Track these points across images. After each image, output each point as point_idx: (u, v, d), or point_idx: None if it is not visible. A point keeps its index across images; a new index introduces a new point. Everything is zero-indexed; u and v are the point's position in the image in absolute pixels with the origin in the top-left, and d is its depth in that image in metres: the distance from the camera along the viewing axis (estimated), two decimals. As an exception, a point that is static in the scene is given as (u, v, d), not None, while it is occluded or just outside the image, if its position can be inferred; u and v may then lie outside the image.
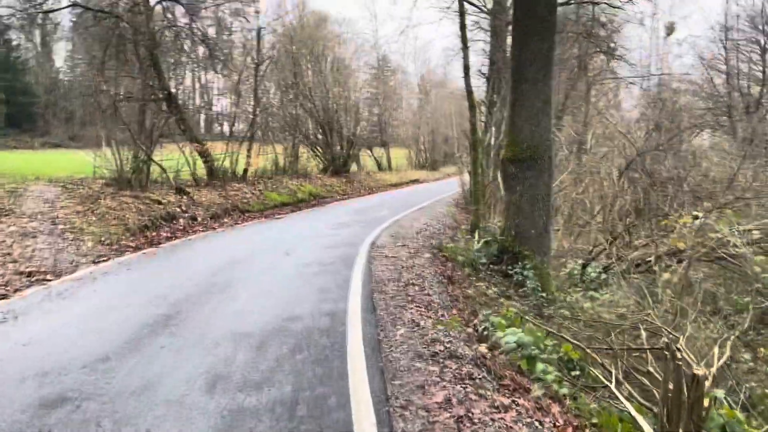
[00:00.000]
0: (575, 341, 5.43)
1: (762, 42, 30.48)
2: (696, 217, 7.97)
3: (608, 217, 13.66)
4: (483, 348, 4.84)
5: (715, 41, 32.21)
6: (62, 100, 47.81)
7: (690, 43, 46.38)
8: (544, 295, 8.92)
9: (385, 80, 44.16)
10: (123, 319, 5.95)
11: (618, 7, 22.93)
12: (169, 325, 5.69)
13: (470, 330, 5.56)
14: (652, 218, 10.83)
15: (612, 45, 26.58)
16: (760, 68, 30.74)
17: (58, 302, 6.83)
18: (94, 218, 11.89)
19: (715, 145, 13.69)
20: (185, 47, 21.35)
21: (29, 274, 8.38)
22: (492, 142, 18.73)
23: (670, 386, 3.78)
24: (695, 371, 3.64)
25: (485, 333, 5.57)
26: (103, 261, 9.66)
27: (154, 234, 12.24)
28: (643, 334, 6.30)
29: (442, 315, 6.04)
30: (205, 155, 18.01)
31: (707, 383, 4.28)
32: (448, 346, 4.85)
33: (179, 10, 22.25)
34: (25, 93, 46.78)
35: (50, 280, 8.13)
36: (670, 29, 47.42)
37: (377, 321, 5.58)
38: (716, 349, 5.76)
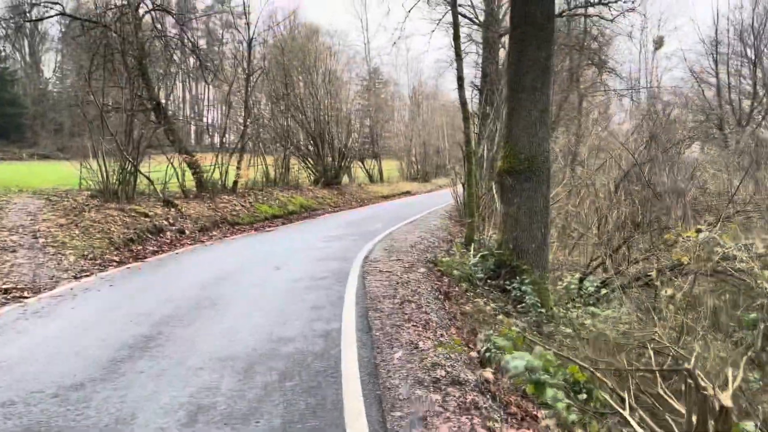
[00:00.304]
0: (583, 363, 5.12)
1: (751, 56, 30.67)
2: (699, 231, 7.72)
3: (604, 230, 13.43)
4: (487, 373, 4.52)
5: (703, 55, 32.41)
6: (51, 111, 47.36)
7: (679, 56, 46.62)
8: (543, 311, 8.62)
9: (376, 92, 44.04)
10: (101, 340, 5.58)
11: (610, 20, 22.98)
12: (150, 347, 5.33)
13: (472, 352, 5.24)
14: (652, 231, 10.59)
15: (603, 58, 26.66)
16: (750, 81, 30.92)
17: (33, 321, 6.45)
18: (77, 231, 11.50)
19: (714, 158, 13.55)
20: (175, 58, 21.07)
21: (6, 291, 7.99)
22: (485, 154, 18.53)
23: (694, 417, 3.49)
24: (723, 402, 3.35)
25: (487, 355, 5.26)
26: (85, 276, 9.28)
27: (139, 248, 11.86)
28: (651, 353, 6.01)
29: (441, 334, 5.72)
30: (194, 166, 17.65)
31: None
32: (449, 370, 4.52)
33: (170, 20, 22.02)
34: (13, 104, 46.31)
35: (27, 297, 7.75)
36: (659, 43, 47.80)
37: (373, 342, 5.25)
38: (730, 370, 5.47)
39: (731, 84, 30.50)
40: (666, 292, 8.39)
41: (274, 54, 25.93)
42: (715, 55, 30.01)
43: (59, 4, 18.78)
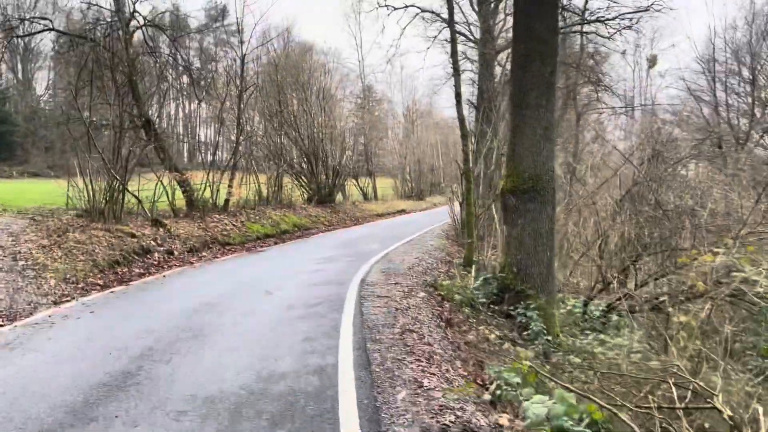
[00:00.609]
0: (601, 402, 4.67)
1: (746, 75, 30.61)
2: (716, 254, 7.31)
3: (606, 250, 13.02)
4: (503, 419, 4.05)
5: (699, 73, 32.37)
6: (42, 128, 46.86)
7: (673, 75, 46.77)
8: (549, 338, 8.18)
9: (370, 110, 43.84)
10: (75, 377, 5.07)
11: (607, 38, 22.85)
12: (128, 385, 4.84)
13: (485, 394, 4.77)
14: (662, 252, 10.18)
15: (600, 76, 26.54)
16: (745, 100, 30.83)
17: (3, 354, 5.94)
18: (60, 253, 10.97)
19: (725, 177, 13.24)
20: (167, 75, 20.75)
21: (-23, 319, 7.48)
22: (482, 172, 18.19)
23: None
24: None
25: (498, 392, 4.80)
26: (66, 302, 8.75)
27: (125, 270, 11.34)
28: (673, 388, 5.56)
29: (447, 369, 5.25)
30: (184, 185, 17.18)
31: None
32: (459, 414, 4.05)
33: (163, 38, 21.71)
34: (5, 122, 45.77)
35: (2, 326, 7.22)
36: (653, 62, 47.96)
37: (373, 380, 4.76)
38: (760, 408, 5.05)
39: (729, 103, 30.44)
40: (678, 318, 7.97)
41: (268, 71, 25.62)
42: (713, 74, 29.95)
43: (48, 19, 18.47)
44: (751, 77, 30.17)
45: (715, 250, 7.33)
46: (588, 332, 8.87)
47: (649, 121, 25.72)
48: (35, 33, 18.90)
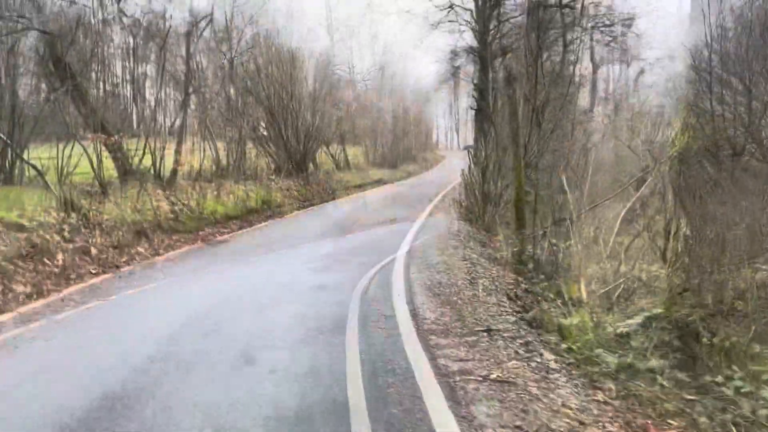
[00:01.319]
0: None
1: (741, 86, 30.39)
2: (757, 270, 6.67)
3: (620, 261, 12.42)
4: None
5: (693, 83, 32.12)
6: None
7: (666, 84, 46.66)
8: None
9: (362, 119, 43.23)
10: (33, 422, 4.20)
11: (604, 44, 22.59)
12: (96, 432, 3.97)
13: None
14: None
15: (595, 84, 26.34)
16: (740, 110, 30.58)
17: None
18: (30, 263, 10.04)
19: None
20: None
21: None
22: (480, 181, 17.58)
23: None
24: None
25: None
26: (34, 322, 7.74)
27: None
28: (733, 429, 4.85)
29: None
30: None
31: None
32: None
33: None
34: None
35: None
36: (639, 73, 47.97)
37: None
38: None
39: (724, 113, 30.23)
40: (710, 339, 7.34)
41: (255, 80, 24.58)
42: (708, 83, 29.66)
43: (28, 18, 17.64)
44: (746, 88, 29.98)
45: (758, 266, 6.72)
46: (609, 352, 8.20)
47: (649, 130, 25.37)
48: (13, 33, 18.02)
